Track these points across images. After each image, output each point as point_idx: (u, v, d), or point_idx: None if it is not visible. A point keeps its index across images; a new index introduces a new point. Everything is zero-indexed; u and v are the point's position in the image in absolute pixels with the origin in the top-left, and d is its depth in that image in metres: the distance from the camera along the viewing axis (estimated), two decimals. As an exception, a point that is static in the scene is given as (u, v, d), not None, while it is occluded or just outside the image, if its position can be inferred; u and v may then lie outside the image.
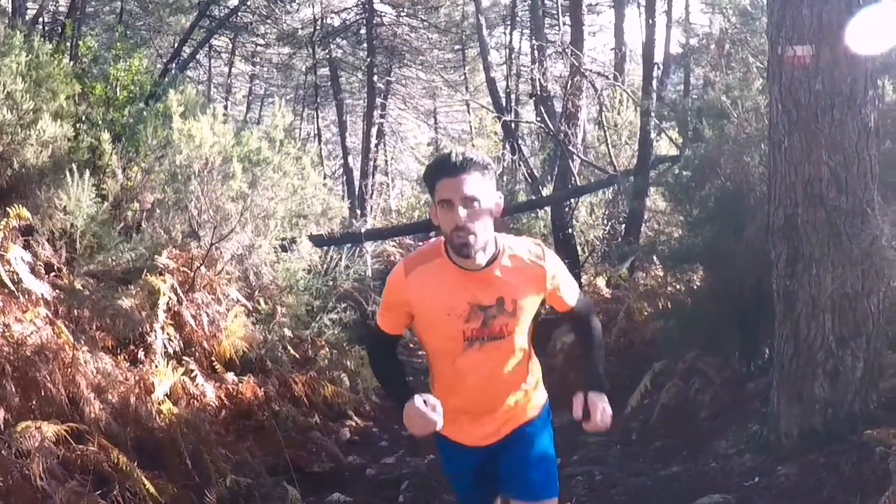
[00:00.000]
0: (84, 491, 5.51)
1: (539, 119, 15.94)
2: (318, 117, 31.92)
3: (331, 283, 13.29)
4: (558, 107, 16.41)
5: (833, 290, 5.99)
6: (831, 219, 5.92)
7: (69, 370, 6.43)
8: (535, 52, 16.25)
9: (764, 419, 6.82)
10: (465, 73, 32.45)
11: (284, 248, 11.19)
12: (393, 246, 24.49)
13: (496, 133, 23.33)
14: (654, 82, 12.74)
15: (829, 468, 5.80)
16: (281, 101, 11.67)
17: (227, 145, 9.58)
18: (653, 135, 12.80)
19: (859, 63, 5.87)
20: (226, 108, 32.03)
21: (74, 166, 8.33)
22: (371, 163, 28.89)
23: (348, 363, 10.69)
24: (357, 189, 27.38)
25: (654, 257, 10.68)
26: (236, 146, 9.78)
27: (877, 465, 5.29)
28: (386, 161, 35.21)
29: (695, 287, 9.47)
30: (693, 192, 8.90)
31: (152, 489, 5.96)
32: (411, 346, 13.26)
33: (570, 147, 14.20)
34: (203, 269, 9.04)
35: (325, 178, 31.83)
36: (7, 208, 7.09)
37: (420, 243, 19.97)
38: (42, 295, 6.84)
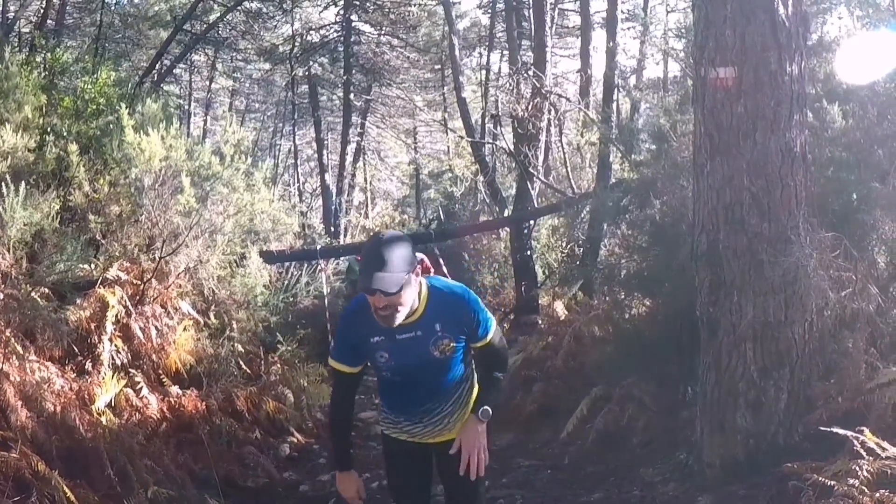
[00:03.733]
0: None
1: (503, 140, 16.00)
2: (294, 134, 31.99)
3: (291, 299, 13.26)
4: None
5: (754, 319, 5.92)
6: (752, 245, 5.86)
7: (-3, 379, 6.42)
8: (510, 73, 16.26)
9: (692, 447, 6.77)
10: (443, 93, 32.50)
11: (240, 264, 11.18)
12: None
13: (471, 154, 23.36)
14: (614, 105, 12.74)
15: (748, 500, 5.73)
16: (232, 116, 11.65)
17: (179, 160, 9.56)
18: (613, 158, 12.79)
19: (783, 86, 5.81)
20: (205, 122, 32.14)
21: (34, 177, 8.34)
22: (346, 181, 28.90)
23: (301, 380, 10.61)
24: (333, 206, 27.41)
25: (611, 281, 10.65)
26: (187, 161, 9.76)
27: (793, 498, 5.23)
28: (366, 179, 35.23)
29: (637, 312, 9.45)
30: (632, 217, 8.89)
31: (72, 497, 5.97)
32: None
33: (531, 169, 14.20)
34: (154, 282, 9.01)
35: (300, 195, 32.09)
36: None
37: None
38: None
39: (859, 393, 5.77)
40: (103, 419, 7.14)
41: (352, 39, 27.69)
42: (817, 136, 7.07)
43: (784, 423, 6.06)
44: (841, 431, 5.02)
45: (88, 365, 7.79)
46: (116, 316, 8.15)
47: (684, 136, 8.23)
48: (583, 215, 12.51)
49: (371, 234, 28.70)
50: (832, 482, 4.79)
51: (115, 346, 8.13)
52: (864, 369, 5.96)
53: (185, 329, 9.13)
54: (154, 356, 8.68)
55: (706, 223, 6.11)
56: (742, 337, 5.99)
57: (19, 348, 6.93)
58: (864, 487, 4.67)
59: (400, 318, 4.05)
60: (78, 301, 8.04)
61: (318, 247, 15.60)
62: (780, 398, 6.03)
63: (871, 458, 4.83)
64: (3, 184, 7.88)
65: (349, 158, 29.74)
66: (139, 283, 8.87)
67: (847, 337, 6.20)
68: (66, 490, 5.96)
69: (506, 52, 26.62)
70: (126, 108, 9.57)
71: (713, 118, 5.96)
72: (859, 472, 4.74)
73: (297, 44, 27.84)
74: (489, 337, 4.39)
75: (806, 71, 6.15)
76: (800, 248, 5.74)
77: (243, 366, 9.98)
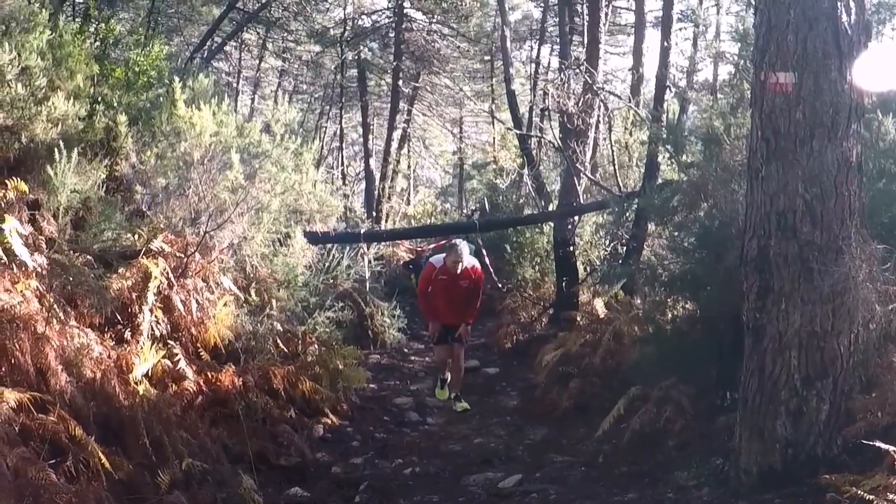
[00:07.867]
0: (35, 458, 5.52)
1: (551, 133, 15.96)
2: (341, 117, 32.03)
3: (331, 281, 13.29)
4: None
5: (801, 327, 5.87)
6: (804, 253, 5.80)
7: (39, 341, 6.45)
8: (560, 68, 16.21)
9: (728, 453, 6.73)
10: (492, 84, 32.46)
11: (283, 243, 11.21)
12: (404, 251, 24.44)
13: (516, 146, 23.27)
14: (665, 105, 12.61)
15: (783, 510, 5.73)
16: (284, 96, 11.70)
17: (229, 135, 9.60)
18: (661, 158, 12.69)
19: (842, 94, 5.74)
20: (252, 101, 32.25)
21: (83, 146, 8.38)
22: (390, 167, 28.93)
23: (337, 362, 10.62)
24: (377, 191, 27.48)
25: (654, 282, 10.57)
26: (237, 137, 9.80)
27: (829, 511, 5.19)
28: (409, 166, 35.22)
29: (678, 314, 9.38)
30: (680, 218, 8.83)
31: (107, 463, 6.02)
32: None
33: (577, 164, 14.12)
34: (197, 256, 9.04)
35: (343, 178, 32.18)
36: (9, 181, 7.17)
37: (431, 248, 19.88)
38: (35, 268, 6.85)
39: (901, 409, 5.71)
40: (140, 388, 7.19)
41: (403, 26, 27.70)
42: (868, 148, 6.98)
43: (824, 434, 6.01)
44: (882, 445, 4.97)
45: (128, 334, 7.82)
46: (158, 287, 8.18)
47: (738, 139, 8.15)
48: (628, 214, 12.43)
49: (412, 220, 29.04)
50: (871, 496, 4.74)
51: (156, 316, 8.17)
52: (907, 385, 5.90)
53: (225, 304, 9.17)
54: (193, 329, 8.73)
55: (757, 228, 6.06)
56: (787, 345, 5.94)
57: (61, 313, 6.95)
58: (903, 503, 4.62)
59: None
60: (121, 270, 8.07)
61: (362, 231, 15.59)
62: (822, 408, 5.97)
63: (911, 473, 4.78)
64: (55, 150, 7.93)
65: (394, 144, 29.80)
66: (182, 255, 8.90)
67: (891, 351, 6.15)
68: (101, 456, 6.01)
69: (556, 47, 26.58)
70: (179, 81, 9.60)
71: (770, 123, 5.90)
72: (899, 488, 4.70)
73: (348, 27, 27.88)
74: None
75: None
76: (851, 259, 5.69)
77: (281, 344, 9.99)
